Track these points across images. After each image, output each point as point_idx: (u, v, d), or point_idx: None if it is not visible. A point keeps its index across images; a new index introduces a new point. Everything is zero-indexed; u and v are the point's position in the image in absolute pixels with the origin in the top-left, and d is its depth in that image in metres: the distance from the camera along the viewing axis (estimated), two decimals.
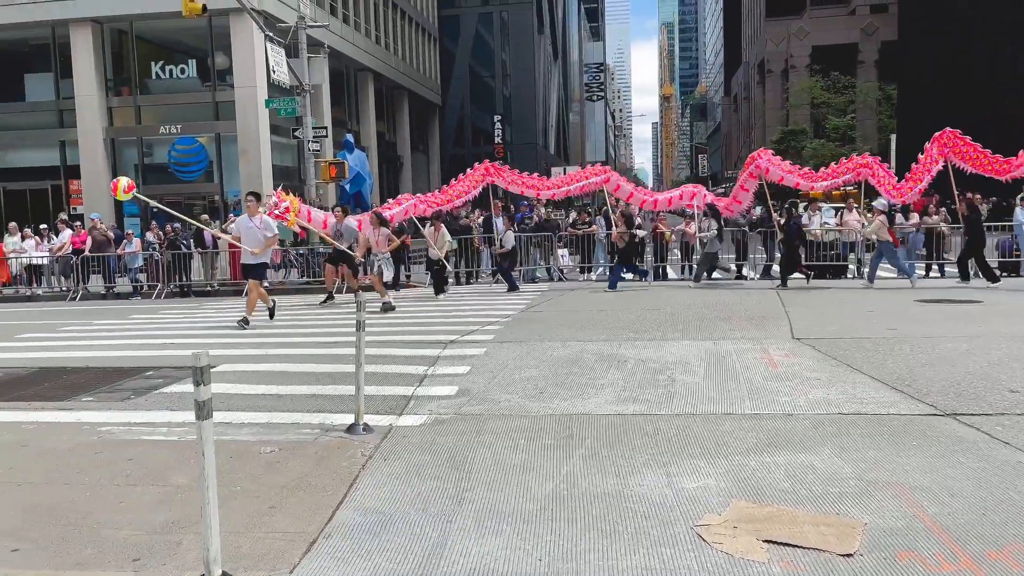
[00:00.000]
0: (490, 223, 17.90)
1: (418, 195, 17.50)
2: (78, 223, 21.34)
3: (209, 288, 18.59)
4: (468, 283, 18.13)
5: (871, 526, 3.80)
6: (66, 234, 19.54)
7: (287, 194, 14.49)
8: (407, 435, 5.65)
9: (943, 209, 17.27)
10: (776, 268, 16.37)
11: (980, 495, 4.16)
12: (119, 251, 19.21)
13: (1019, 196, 16.56)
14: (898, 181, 15.93)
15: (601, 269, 18.31)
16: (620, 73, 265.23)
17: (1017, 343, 8.22)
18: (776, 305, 11.93)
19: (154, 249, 18.93)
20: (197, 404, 3.30)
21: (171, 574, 3.63)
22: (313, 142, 23.10)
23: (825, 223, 17.86)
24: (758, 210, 19.42)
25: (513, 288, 15.77)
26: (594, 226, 18.58)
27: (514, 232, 17.11)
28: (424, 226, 15.75)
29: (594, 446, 5.22)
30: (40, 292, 19.53)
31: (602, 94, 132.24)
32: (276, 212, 12.96)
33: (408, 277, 18.18)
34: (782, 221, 15.51)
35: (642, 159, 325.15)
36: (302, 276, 19.02)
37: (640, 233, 18.06)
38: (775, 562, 3.48)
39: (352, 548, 3.81)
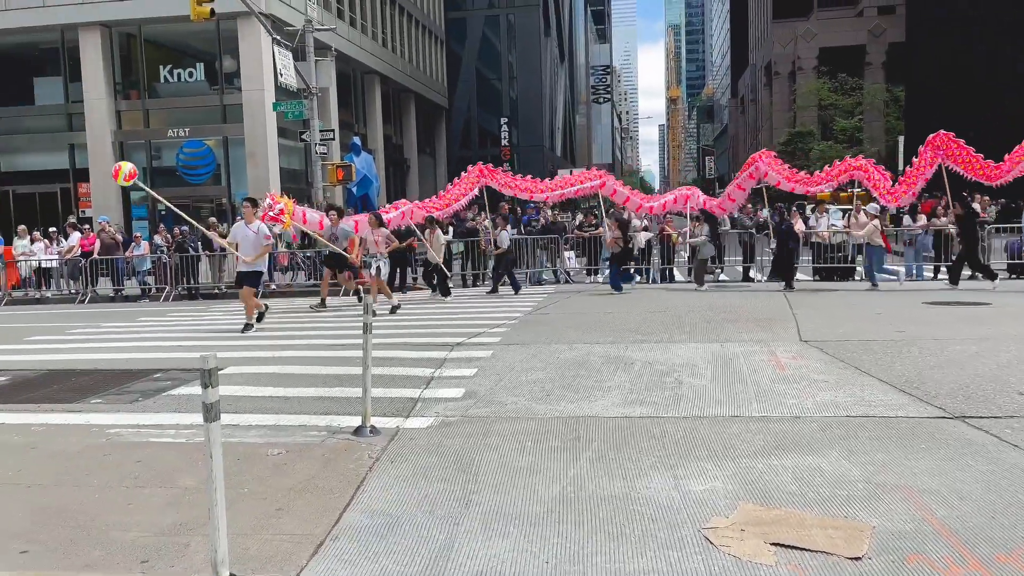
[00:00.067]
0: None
1: (415, 201, 17.49)
2: (87, 226, 21.44)
3: (217, 291, 18.65)
4: (475, 285, 18.15)
5: (879, 529, 3.79)
6: (75, 237, 19.63)
7: (281, 196, 14.41)
8: (414, 437, 5.66)
9: (951, 210, 17.20)
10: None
11: (989, 498, 4.14)
12: (127, 254, 19.30)
13: None
14: (893, 185, 15.93)
15: (608, 271, 18.29)
16: (627, 75, 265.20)
17: None
18: (783, 307, 11.90)
19: (162, 252, 19.01)
20: (205, 406, 3.31)
21: None
22: (320, 145, 23.18)
23: (832, 225, 17.81)
24: (765, 212, 19.38)
25: (516, 288, 15.87)
26: (601, 228, 18.57)
27: (508, 232, 17.09)
28: (423, 231, 15.77)
29: (601, 448, 5.22)
30: (49, 295, 19.63)
31: (608, 96, 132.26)
32: (271, 214, 12.72)
33: (415, 280, 18.21)
34: (795, 224, 15.51)
35: (649, 161, 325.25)
36: (309, 278, 19.06)
37: (647, 235, 18.06)
38: (783, 565, 3.47)
39: (359, 550, 3.82)
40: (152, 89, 30.17)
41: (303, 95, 23.17)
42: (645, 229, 18.18)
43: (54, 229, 21.26)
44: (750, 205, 20.59)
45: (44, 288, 19.81)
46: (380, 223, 13.86)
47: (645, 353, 8.37)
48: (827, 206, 21.04)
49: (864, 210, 15.02)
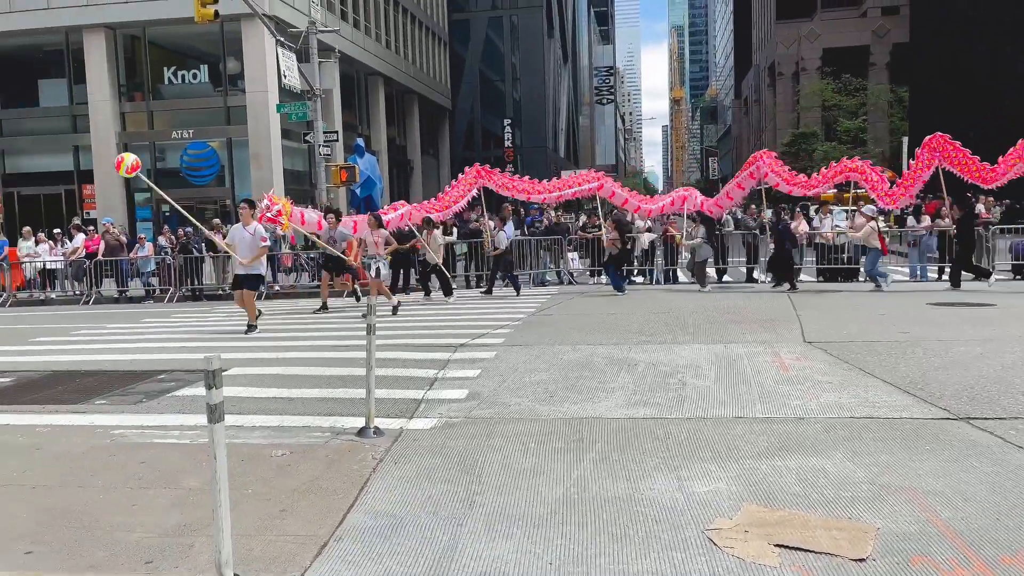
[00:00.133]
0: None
1: (413, 204, 17.49)
2: (91, 227, 21.52)
3: (221, 292, 18.66)
4: (478, 286, 18.15)
5: (884, 531, 3.78)
6: (79, 238, 19.67)
7: (279, 197, 14.35)
8: (417, 438, 5.66)
9: (951, 211, 17.19)
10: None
11: (994, 499, 4.13)
12: (132, 255, 19.33)
13: None
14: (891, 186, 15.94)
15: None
16: (630, 76, 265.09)
17: None
18: (787, 308, 11.89)
19: (166, 253, 19.04)
20: (209, 407, 3.32)
21: None
22: (324, 146, 23.21)
23: (836, 226, 17.79)
24: (768, 213, 19.36)
25: (516, 289, 15.89)
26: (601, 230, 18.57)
27: (508, 233, 17.09)
28: (420, 233, 15.77)
29: (605, 450, 5.22)
30: (53, 296, 19.67)
31: (612, 97, 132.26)
32: (268, 215, 12.58)
33: (418, 281, 18.22)
34: (793, 224, 15.49)
35: (652, 162, 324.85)
36: (312, 279, 19.08)
37: (650, 237, 18.04)
38: (787, 566, 3.47)
39: (363, 551, 3.82)
40: (156, 91, 30.24)
41: (307, 97, 23.21)
42: (649, 230, 18.16)
43: (59, 230, 21.33)
44: (754, 206, 20.57)
45: (49, 289, 19.86)
46: (379, 224, 13.86)
47: (649, 354, 8.37)
48: (831, 207, 20.97)
49: (861, 211, 15.03)
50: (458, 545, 3.83)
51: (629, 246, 16.24)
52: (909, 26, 53.64)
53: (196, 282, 18.60)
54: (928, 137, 15.73)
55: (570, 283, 18.12)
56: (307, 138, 24.57)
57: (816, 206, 23.41)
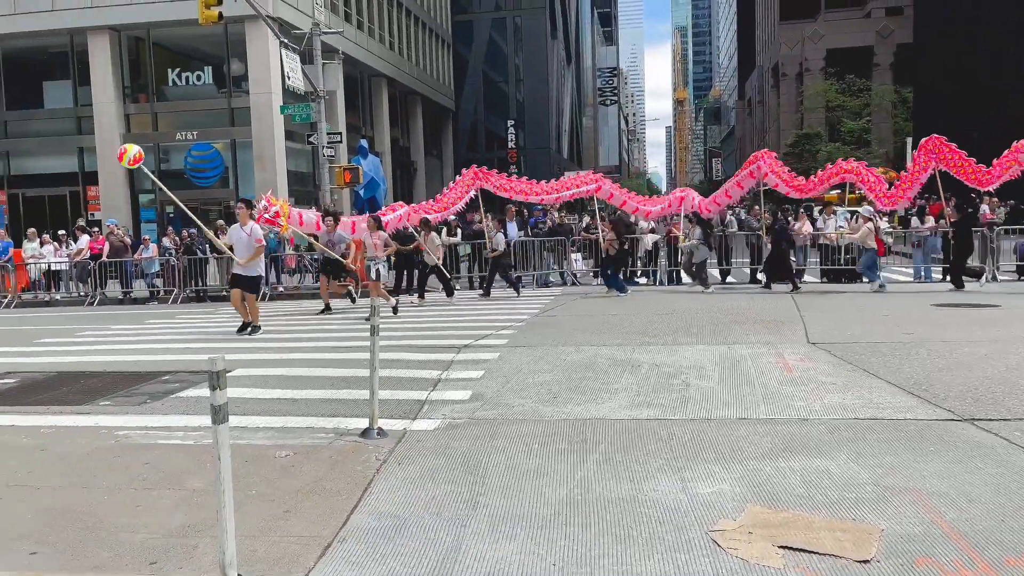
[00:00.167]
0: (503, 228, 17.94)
1: (412, 205, 17.50)
2: (96, 229, 21.54)
3: (225, 293, 18.63)
4: (481, 287, 18.14)
5: (888, 532, 3.77)
6: (84, 240, 19.73)
7: (276, 198, 14.31)
8: (421, 439, 5.66)
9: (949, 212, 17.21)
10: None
11: (998, 501, 4.12)
12: (136, 256, 19.38)
13: None
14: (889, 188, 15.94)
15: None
16: (633, 77, 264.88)
17: None
18: (791, 309, 11.87)
19: (170, 254, 19.09)
20: (213, 408, 3.32)
21: None
22: (328, 148, 23.21)
23: (840, 227, 17.75)
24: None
25: (516, 290, 15.89)
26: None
27: (508, 234, 17.07)
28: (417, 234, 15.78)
29: (608, 451, 5.21)
30: (58, 297, 19.72)
31: (615, 98, 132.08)
32: (266, 216, 12.55)
33: (417, 282, 18.22)
34: (796, 225, 15.48)
35: (656, 163, 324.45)
36: (316, 280, 19.09)
37: (653, 238, 18.03)
38: (791, 568, 3.46)
39: (366, 552, 3.82)
40: (160, 92, 30.30)
41: (310, 98, 23.22)
42: (652, 231, 18.14)
43: (63, 232, 21.38)
44: (757, 207, 20.56)
45: (53, 290, 19.92)
46: (378, 226, 13.88)
47: (652, 355, 8.36)
48: (835, 208, 20.95)
49: (859, 212, 15.05)
50: (462, 546, 3.83)
51: (628, 247, 16.23)
52: (913, 27, 53.52)
53: (200, 283, 18.64)
54: (924, 139, 15.78)
55: (573, 284, 18.12)
56: (311, 140, 24.57)
57: (820, 207, 23.40)
